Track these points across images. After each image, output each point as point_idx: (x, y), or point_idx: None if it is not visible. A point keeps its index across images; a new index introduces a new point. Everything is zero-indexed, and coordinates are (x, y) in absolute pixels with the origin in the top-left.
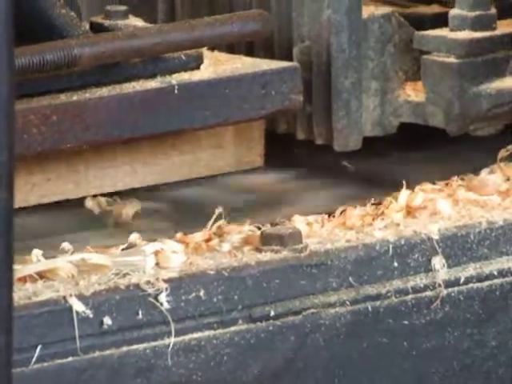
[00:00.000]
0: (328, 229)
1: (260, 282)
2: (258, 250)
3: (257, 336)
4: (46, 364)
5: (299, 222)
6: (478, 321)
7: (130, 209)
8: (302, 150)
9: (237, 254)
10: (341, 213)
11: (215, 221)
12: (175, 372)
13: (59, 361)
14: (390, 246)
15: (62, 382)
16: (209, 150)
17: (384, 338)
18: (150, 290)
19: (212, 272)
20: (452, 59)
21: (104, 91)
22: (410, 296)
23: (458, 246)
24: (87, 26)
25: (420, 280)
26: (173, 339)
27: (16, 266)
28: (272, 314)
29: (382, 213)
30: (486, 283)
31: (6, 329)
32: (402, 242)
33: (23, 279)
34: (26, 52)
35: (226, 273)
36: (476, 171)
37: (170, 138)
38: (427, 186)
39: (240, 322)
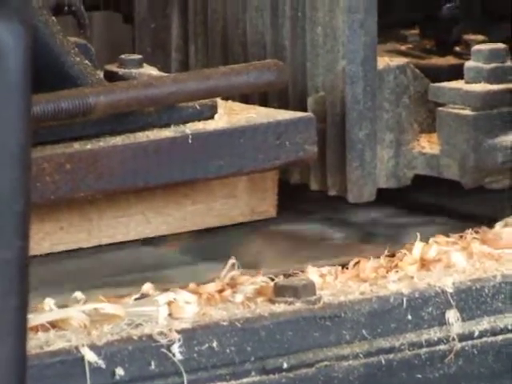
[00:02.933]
0: (342, 281)
1: (273, 334)
2: (272, 302)
3: None
4: None
5: (312, 273)
6: (492, 375)
7: None
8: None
9: (250, 305)
10: (354, 265)
11: (228, 271)
12: None
13: None
14: (404, 299)
15: None
16: (222, 200)
17: None
18: (163, 341)
19: (225, 323)
20: (467, 111)
21: (118, 140)
22: (423, 349)
23: (472, 300)
24: (101, 75)
25: (434, 333)
26: None
27: (29, 315)
28: (285, 366)
29: (396, 265)
30: (500, 337)
31: (20, 380)
32: (416, 295)
33: (35, 328)
34: (41, 100)
35: (239, 324)
36: (490, 224)
37: (183, 187)
38: (441, 238)
39: (253, 373)
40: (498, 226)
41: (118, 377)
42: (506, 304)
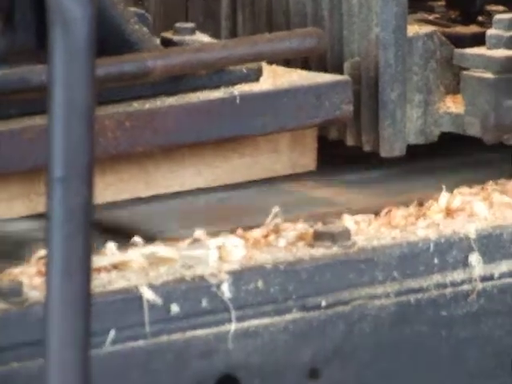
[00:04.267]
0: (374, 227)
1: (313, 275)
2: (311, 246)
3: (309, 324)
4: (118, 346)
5: (348, 220)
6: (510, 312)
7: None
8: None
9: (292, 249)
10: (386, 213)
11: (272, 219)
12: (235, 355)
13: (130, 344)
14: (431, 244)
15: (132, 363)
16: (266, 154)
17: (425, 326)
18: (213, 281)
19: (269, 265)
20: (489, 75)
21: (173, 100)
22: (448, 289)
23: (493, 245)
24: (158, 41)
25: (458, 275)
26: (233, 325)
27: (93, 257)
28: (323, 304)
29: (424, 214)
30: None
31: (85, 314)
32: (442, 241)
33: (98, 269)
34: (105, 63)
35: (282, 266)
36: (509, 177)
37: (231, 142)
38: (465, 189)
39: (294, 310)
40: None
41: (172, 313)
42: None
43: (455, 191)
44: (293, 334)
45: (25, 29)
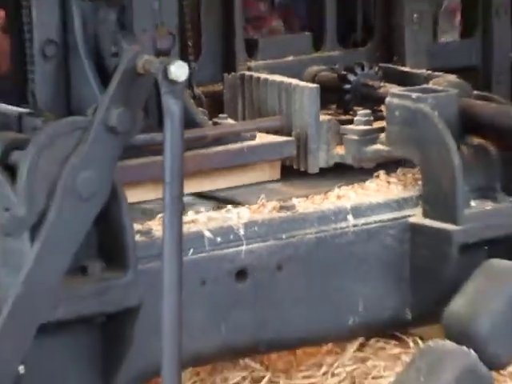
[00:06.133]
0: (306, 204)
1: (280, 224)
2: (279, 212)
3: (279, 247)
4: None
5: (294, 201)
6: (367, 240)
7: None
8: None
9: (271, 213)
10: (310, 197)
11: (261, 200)
12: (246, 259)
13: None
14: (330, 211)
15: (195, 270)
16: (258, 171)
17: (331, 248)
18: (235, 226)
19: (260, 220)
20: (355, 137)
21: (216, 148)
22: (339, 231)
23: (357, 211)
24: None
25: (344, 224)
26: (244, 247)
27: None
28: (283, 237)
29: (327, 196)
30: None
31: (179, 247)
32: (337, 209)
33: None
34: (186, 133)
35: (266, 221)
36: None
37: (241, 166)
38: (346, 186)
39: (270, 240)
40: None
41: (217, 242)
42: None
43: (342, 187)
44: (272, 251)
45: (153, 116)
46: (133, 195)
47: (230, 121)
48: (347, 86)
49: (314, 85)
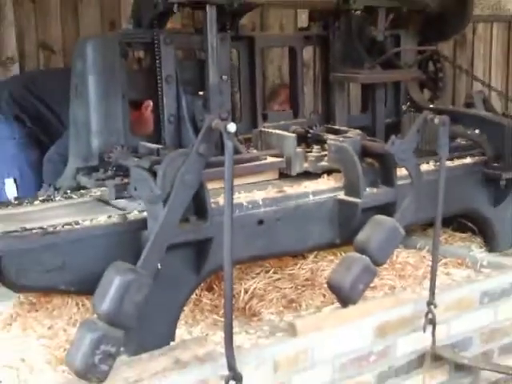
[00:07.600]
0: (285, 189)
1: (275, 201)
2: (275, 193)
3: (270, 213)
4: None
5: (283, 187)
6: (317, 209)
7: None
8: None
9: (268, 193)
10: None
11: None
12: (263, 213)
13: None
14: (298, 193)
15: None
16: (266, 174)
17: (306, 212)
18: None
19: (260, 197)
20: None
21: (244, 165)
22: (304, 200)
23: (316, 193)
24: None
25: (309, 199)
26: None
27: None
28: (260, 203)
29: (300, 184)
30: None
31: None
32: (301, 192)
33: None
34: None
35: (266, 199)
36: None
37: (257, 173)
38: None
39: (262, 209)
40: None
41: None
42: None
43: (307, 182)
44: (274, 211)
45: (219, 148)
46: (209, 185)
47: (255, 151)
48: (309, 135)
49: (294, 134)
